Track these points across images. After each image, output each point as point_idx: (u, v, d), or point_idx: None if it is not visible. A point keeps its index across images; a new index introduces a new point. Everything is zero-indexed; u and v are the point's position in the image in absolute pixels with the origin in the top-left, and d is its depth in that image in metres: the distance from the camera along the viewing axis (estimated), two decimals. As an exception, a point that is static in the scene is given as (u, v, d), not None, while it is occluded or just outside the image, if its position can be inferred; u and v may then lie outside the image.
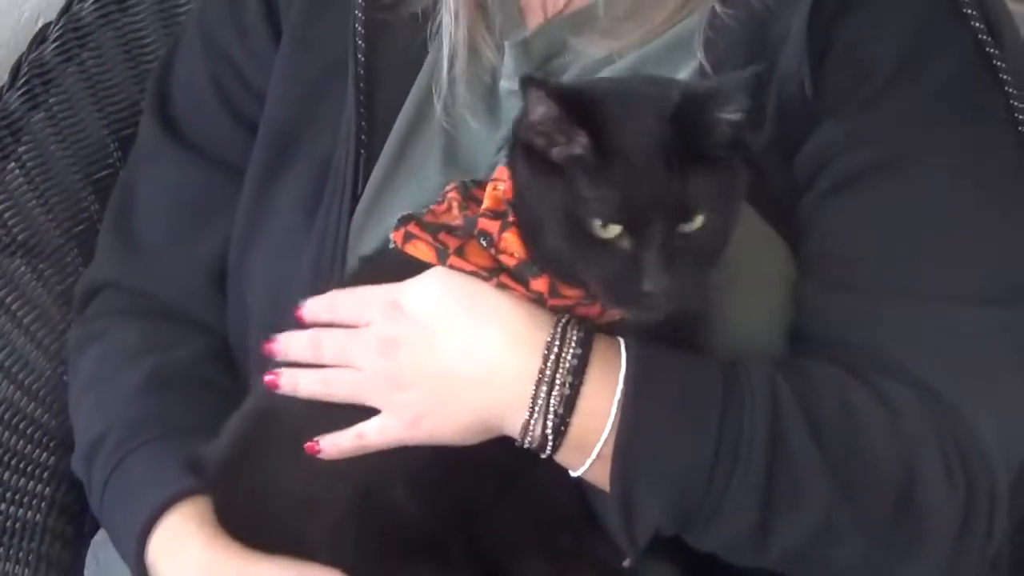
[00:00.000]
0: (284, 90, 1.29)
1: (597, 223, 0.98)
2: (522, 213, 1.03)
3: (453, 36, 1.22)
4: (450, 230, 1.07)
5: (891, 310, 1.09)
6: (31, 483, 1.36)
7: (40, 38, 1.44)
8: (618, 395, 1.02)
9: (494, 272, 1.04)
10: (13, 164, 1.41)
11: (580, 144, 0.98)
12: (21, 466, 1.36)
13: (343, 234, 1.21)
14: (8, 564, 1.32)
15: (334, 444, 1.07)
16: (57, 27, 1.45)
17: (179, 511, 1.15)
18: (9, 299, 1.39)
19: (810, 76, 1.11)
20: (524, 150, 1.02)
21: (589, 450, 1.02)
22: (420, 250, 1.06)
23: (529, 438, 1.03)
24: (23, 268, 1.41)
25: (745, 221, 1.11)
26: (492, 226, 1.04)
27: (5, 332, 1.38)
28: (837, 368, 1.07)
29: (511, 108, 1.17)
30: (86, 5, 1.46)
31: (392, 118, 1.23)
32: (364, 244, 1.20)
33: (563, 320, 1.03)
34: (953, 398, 1.07)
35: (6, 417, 1.36)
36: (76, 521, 1.39)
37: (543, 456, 1.04)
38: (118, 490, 1.21)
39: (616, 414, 1.02)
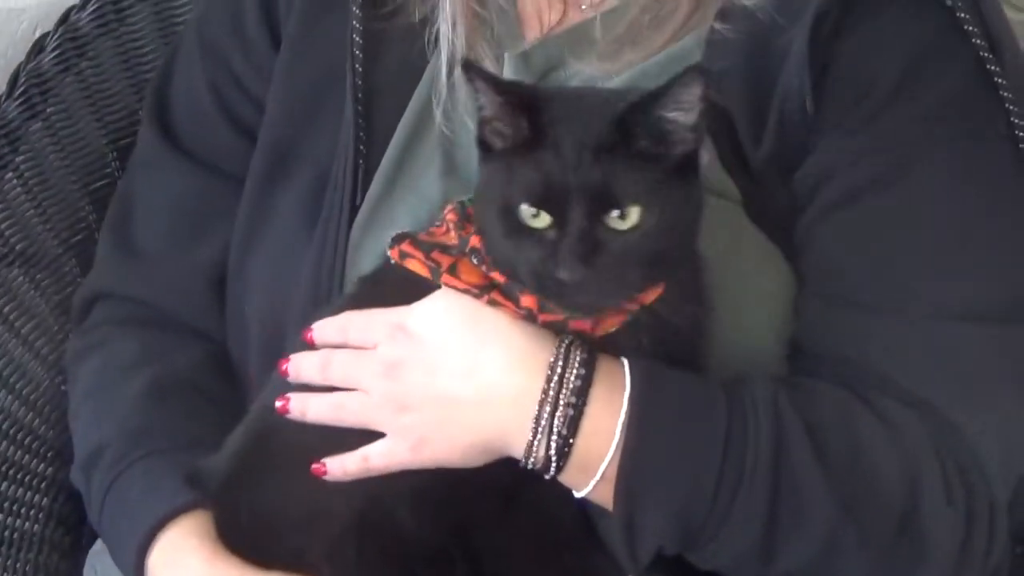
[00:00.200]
0: (283, 98, 1.28)
1: (524, 208, 0.99)
2: (476, 210, 1.05)
3: (452, 43, 1.22)
4: (443, 248, 1.08)
5: (890, 327, 1.09)
6: (29, 494, 1.36)
7: (38, 48, 1.43)
8: (623, 416, 1.02)
9: (485, 289, 1.05)
10: (11, 174, 1.41)
11: (521, 135, 1.00)
12: (19, 477, 1.35)
13: (342, 243, 1.21)
14: (6, 575, 1.32)
15: (340, 467, 1.07)
16: (55, 37, 1.44)
17: (179, 525, 1.15)
18: (7, 309, 1.39)
19: (811, 92, 1.11)
20: (480, 148, 1.04)
21: (593, 471, 1.03)
22: (415, 268, 1.07)
23: (533, 459, 1.03)
24: (21, 278, 1.41)
25: (745, 236, 1.12)
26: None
27: (3, 342, 1.37)
28: (838, 386, 1.07)
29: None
30: (84, 15, 1.46)
31: (391, 127, 1.23)
32: (363, 254, 1.19)
33: (566, 341, 1.04)
34: (952, 415, 1.07)
35: (3, 427, 1.35)
36: (74, 532, 1.38)
37: (547, 477, 1.04)
38: (118, 502, 1.21)
39: (621, 435, 1.02)
